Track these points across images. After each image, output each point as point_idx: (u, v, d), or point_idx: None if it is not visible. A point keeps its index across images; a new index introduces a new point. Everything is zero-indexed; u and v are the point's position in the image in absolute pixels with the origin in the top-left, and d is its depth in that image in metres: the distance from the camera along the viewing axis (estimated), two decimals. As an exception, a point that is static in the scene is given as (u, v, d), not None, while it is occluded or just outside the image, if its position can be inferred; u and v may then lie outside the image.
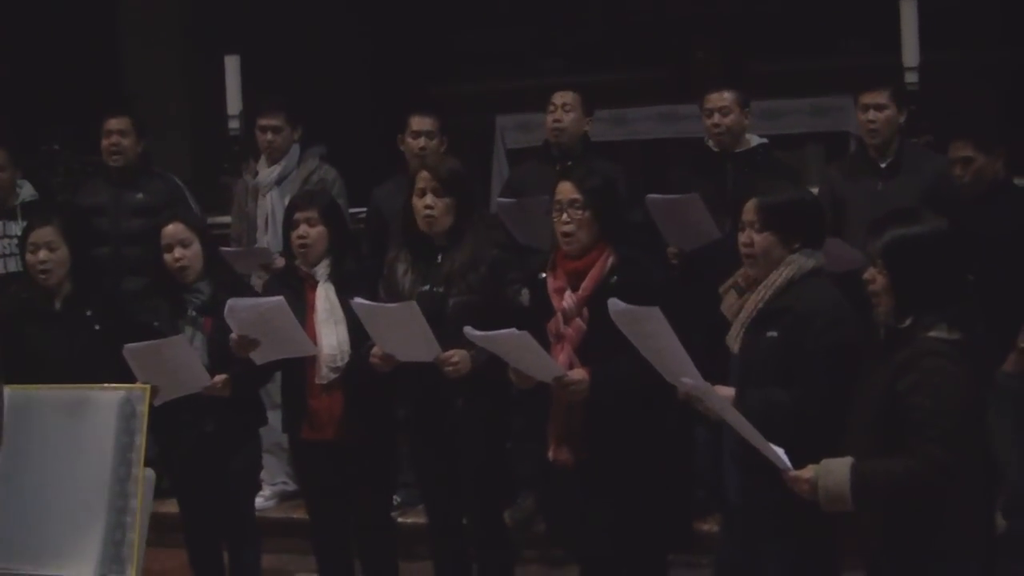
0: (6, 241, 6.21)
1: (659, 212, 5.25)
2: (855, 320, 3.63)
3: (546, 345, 4.16)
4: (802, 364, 3.59)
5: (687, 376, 3.60)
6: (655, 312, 3.64)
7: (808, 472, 3.34)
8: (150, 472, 2.92)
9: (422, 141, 5.69)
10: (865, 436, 3.35)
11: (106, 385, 2.96)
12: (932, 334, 3.24)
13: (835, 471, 3.29)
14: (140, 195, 6.10)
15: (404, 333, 4.28)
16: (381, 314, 4.34)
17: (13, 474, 2.77)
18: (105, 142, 6.17)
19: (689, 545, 4.67)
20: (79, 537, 2.83)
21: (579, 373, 4.11)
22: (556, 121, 5.70)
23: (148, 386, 2.98)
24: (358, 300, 4.37)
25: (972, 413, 3.27)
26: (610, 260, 4.22)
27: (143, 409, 2.89)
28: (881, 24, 6.96)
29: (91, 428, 2.88)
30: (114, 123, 6.16)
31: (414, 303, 4.27)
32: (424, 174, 4.50)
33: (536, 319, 4.21)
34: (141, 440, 2.87)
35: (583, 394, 4.10)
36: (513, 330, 4.02)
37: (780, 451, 3.43)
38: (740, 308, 3.75)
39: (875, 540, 3.40)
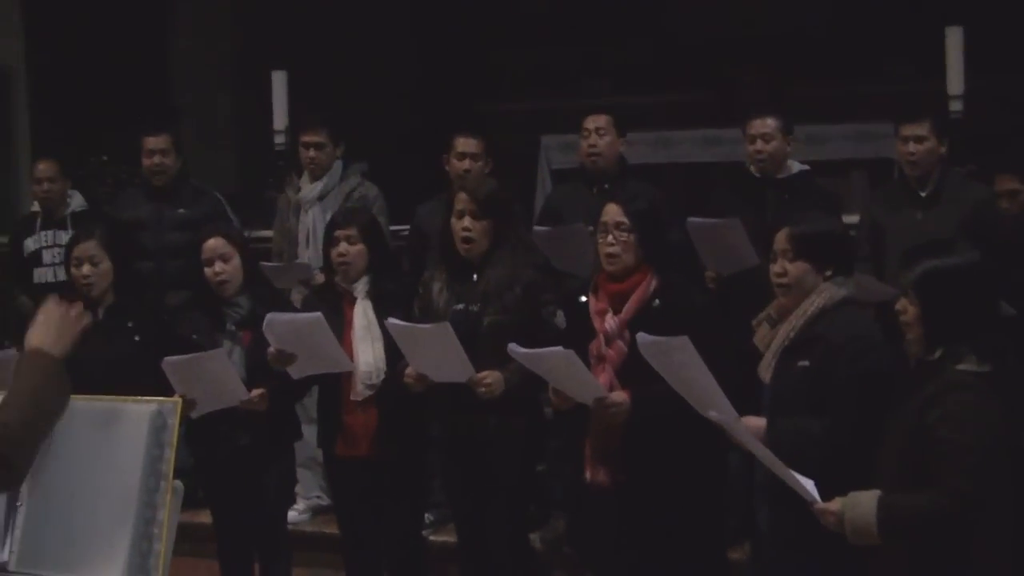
0: (56, 250, 6.32)
1: (699, 236, 5.24)
2: (887, 348, 3.62)
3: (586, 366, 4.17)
4: (834, 392, 3.59)
5: (715, 408, 3.60)
6: (685, 342, 3.65)
7: (835, 505, 3.32)
8: (179, 484, 2.95)
9: (467, 163, 5.69)
10: (893, 469, 3.32)
11: (138, 397, 3.00)
12: (961, 367, 3.21)
13: (861, 504, 3.27)
14: (181, 210, 6.17)
15: (438, 353, 4.30)
16: (415, 334, 4.36)
17: (44, 483, 2.80)
18: (147, 162, 6.25)
19: (721, 573, 4.65)
20: (107, 546, 2.86)
21: (620, 395, 4.11)
22: (591, 146, 5.68)
23: (180, 399, 3.02)
24: (392, 320, 4.40)
25: (1001, 447, 3.23)
26: (653, 283, 4.23)
27: (174, 422, 2.92)
28: (927, 50, 6.93)
29: (122, 439, 2.91)
30: (153, 142, 6.24)
31: (448, 324, 4.29)
32: (463, 196, 4.53)
33: (571, 341, 4.21)
34: (171, 453, 2.90)
35: (623, 416, 4.11)
36: (559, 348, 4.04)
37: (808, 483, 3.42)
38: (772, 339, 3.76)
39: (902, 574, 3.38)
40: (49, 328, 2.70)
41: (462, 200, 4.52)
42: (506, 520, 4.57)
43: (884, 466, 3.36)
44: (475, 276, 4.49)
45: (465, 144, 5.73)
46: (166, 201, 6.22)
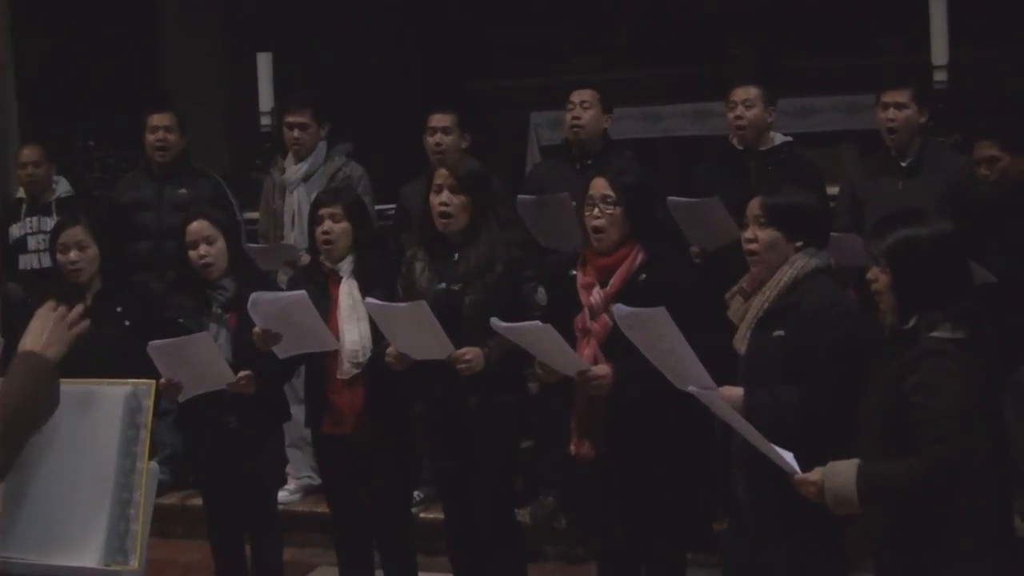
0: (41, 236, 6.33)
1: (680, 214, 5.25)
2: (861, 316, 3.63)
3: (572, 341, 4.17)
4: (809, 361, 3.59)
5: (693, 380, 3.61)
6: (662, 313, 3.65)
7: (814, 475, 3.34)
8: (154, 465, 2.97)
9: (438, 137, 5.72)
10: (872, 438, 3.34)
11: (113, 380, 3.01)
12: (936, 334, 3.23)
13: (841, 474, 3.29)
14: (183, 191, 6.17)
15: (416, 332, 4.30)
16: (393, 313, 4.36)
17: (21, 466, 2.82)
18: (151, 137, 6.25)
19: (707, 544, 4.67)
20: (84, 528, 2.88)
21: (603, 368, 4.11)
22: (575, 119, 5.68)
23: (154, 381, 3.03)
24: (370, 299, 4.41)
25: (978, 413, 3.24)
26: (639, 257, 4.22)
27: (149, 404, 2.94)
28: (915, 22, 6.91)
29: (97, 421, 2.93)
30: (158, 118, 6.25)
31: (423, 302, 4.28)
32: (442, 171, 4.53)
33: (553, 317, 4.22)
34: (146, 434, 2.91)
35: (606, 388, 4.11)
36: (537, 322, 4.04)
37: (788, 455, 3.42)
38: (746, 311, 3.76)
39: (883, 542, 3.40)
40: (43, 331, 2.74)
41: (441, 175, 4.52)
42: (491, 497, 4.58)
43: (863, 435, 3.38)
44: (456, 255, 4.50)
45: (438, 119, 5.77)
46: (167, 182, 6.23)
